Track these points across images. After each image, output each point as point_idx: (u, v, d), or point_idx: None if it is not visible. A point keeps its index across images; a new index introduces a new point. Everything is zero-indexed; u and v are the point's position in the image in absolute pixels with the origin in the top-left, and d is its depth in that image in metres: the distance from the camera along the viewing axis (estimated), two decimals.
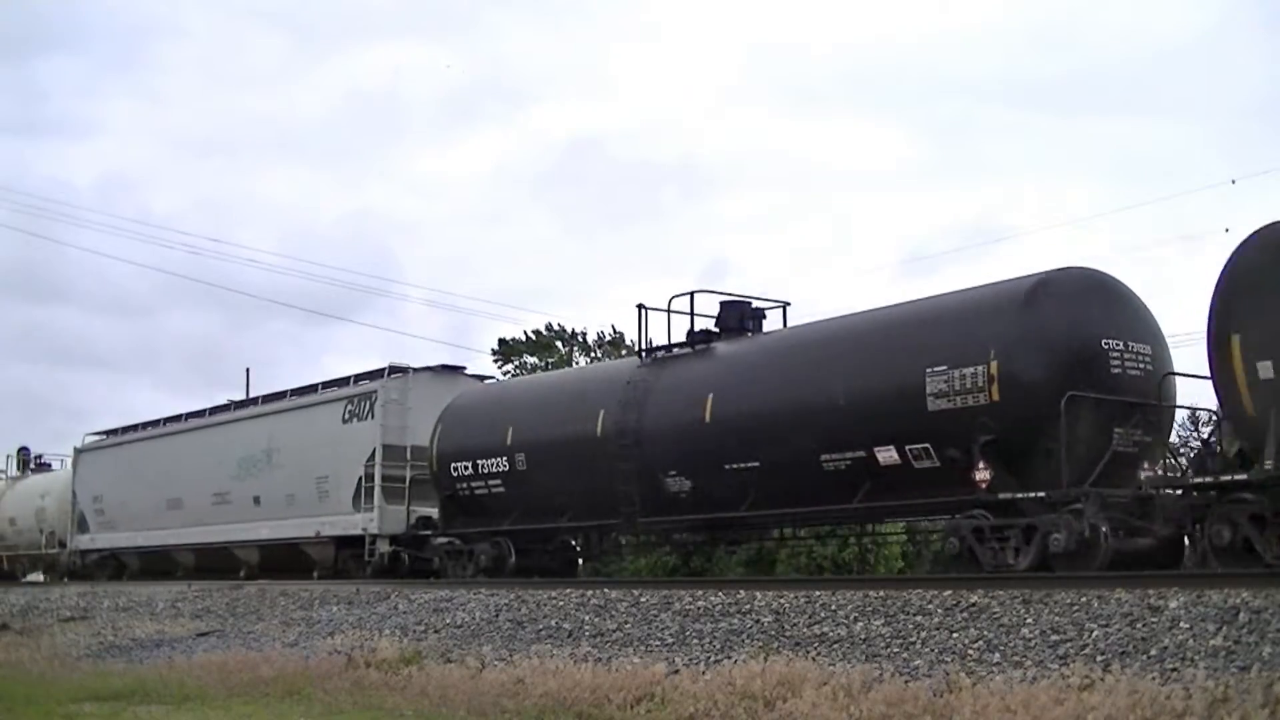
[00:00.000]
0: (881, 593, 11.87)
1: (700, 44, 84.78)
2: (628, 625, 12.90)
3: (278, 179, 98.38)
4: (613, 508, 17.62)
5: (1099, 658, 8.99)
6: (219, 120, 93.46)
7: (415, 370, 23.94)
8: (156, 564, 30.01)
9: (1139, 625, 9.38)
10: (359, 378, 24.73)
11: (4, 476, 40.92)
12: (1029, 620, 10.11)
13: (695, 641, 11.82)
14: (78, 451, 34.32)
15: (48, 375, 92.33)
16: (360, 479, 22.99)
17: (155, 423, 31.96)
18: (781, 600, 12.33)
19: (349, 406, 23.97)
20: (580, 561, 21.73)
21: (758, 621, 11.95)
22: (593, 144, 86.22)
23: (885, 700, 8.92)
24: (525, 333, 40.57)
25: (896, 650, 10.30)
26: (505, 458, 19.47)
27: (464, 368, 24.97)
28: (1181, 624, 9.18)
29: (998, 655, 9.59)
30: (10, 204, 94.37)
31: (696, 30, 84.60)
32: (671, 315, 18.52)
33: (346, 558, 23.44)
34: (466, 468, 20.15)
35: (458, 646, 13.55)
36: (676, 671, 10.80)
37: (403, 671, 12.67)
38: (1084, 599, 10.20)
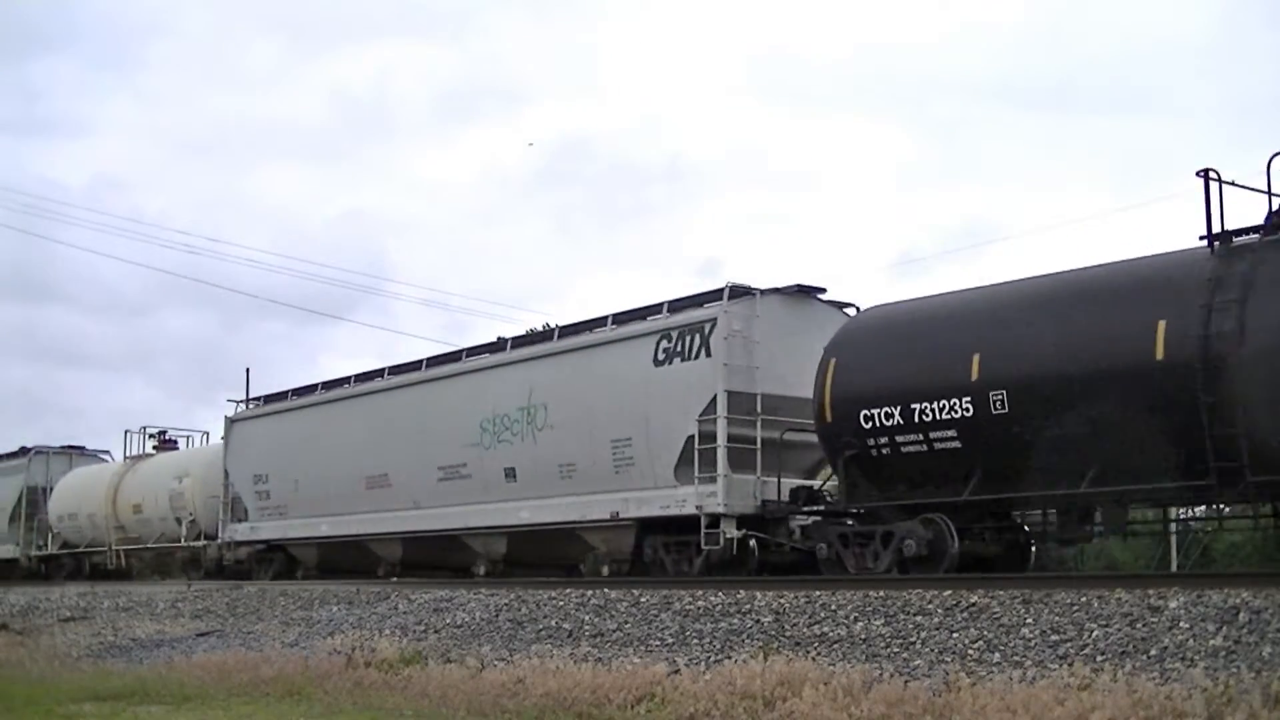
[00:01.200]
0: (881, 593, 11.88)
1: (698, 44, 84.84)
2: (628, 625, 12.90)
3: (273, 179, 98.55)
4: (1187, 463, 12.35)
5: (1099, 658, 9.00)
6: (213, 120, 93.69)
7: (762, 292, 17.33)
8: (345, 558, 23.98)
9: (1139, 625, 9.39)
10: (677, 304, 17.98)
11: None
12: (1029, 620, 10.12)
13: (695, 641, 11.82)
14: (230, 421, 27.09)
15: (44, 375, 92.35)
16: (690, 439, 16.71)
17: (341, 382, 24.92)
18: (781, 600, 12.34)
19: (664, 343, 17.41)
20: (1033, 547, 15.60)
21: (758, 621, 11.95)
22: (587, 144, 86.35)
23: (885, 700, 8.92)
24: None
25: (896, 650, 10.30)
26: (968, 398, 13.88)
27: (823, 289, 18.09)
28: (1181, 624, 9.19)
29: (998, 655, 9.59)
30: (5, 204, 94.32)
31: (695, 31, 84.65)
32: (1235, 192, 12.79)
33: (658, 546, 17.50)
34: (888, 415, 14.60)
35: (458, 646, 13.55)
36: (677, 671, 10.80)
37: (403, 671, 12.66)
38: (1084, 599, 10.21)
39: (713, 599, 13.02)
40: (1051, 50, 79.39)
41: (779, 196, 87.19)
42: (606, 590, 14.50)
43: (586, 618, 13.55)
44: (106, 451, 36.81)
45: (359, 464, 22.96)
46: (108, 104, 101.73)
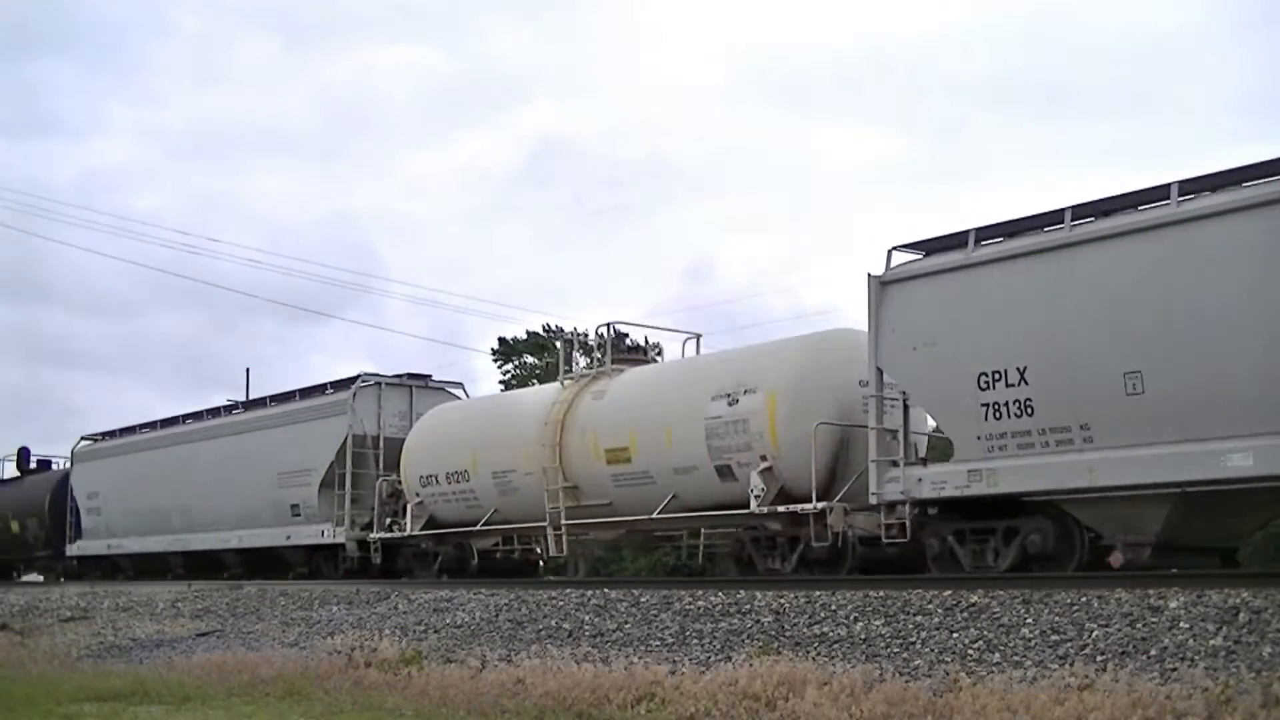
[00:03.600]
0: (881, 593, 11.89)
1: (690, 43, 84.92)
2: (628, 625, 12.91)
3: (264, 178, 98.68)
4: None
5: (1099, 658, 9.01)
6: (206, 120, 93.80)
7: None
8: (1234, 521, 13.18)
9: (1139, 625, 9.40)
10: None
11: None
12: (1029, 620, 10.13)
13: (695, 641, 11.83)
14: (883, 285, 14.83)
15: (36, 375, 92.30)
16: None
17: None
18: (781, 600, 12.35)
19: None
20: None
21: (758, 621, 11.96)
22: (576, 145, 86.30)
23: (886, 700, 8.93)
24: (527, 331, 40.97)
25: (897, 650, 10.32)
26: None
27: None
28: (1181, 624, 9.20)
29: (998, 655, 9.60)
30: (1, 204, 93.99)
31: (686, 30, 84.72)
32: None
33: None
34: None
35: (458, 646, 13.55)
36: (677, 671, 10.81)
37: (403, 671, 12.67)
38: (1084, 599, 10.22)
39: (713, 599, 13.03)
40: (1051, 50, 79.47)
41: (774, 197, 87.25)
42: (606, 590, 14.52)
43: (586, 618, 13.55)
44: (458, 383, 25.83)
45: None
46: (101, 104, 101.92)
